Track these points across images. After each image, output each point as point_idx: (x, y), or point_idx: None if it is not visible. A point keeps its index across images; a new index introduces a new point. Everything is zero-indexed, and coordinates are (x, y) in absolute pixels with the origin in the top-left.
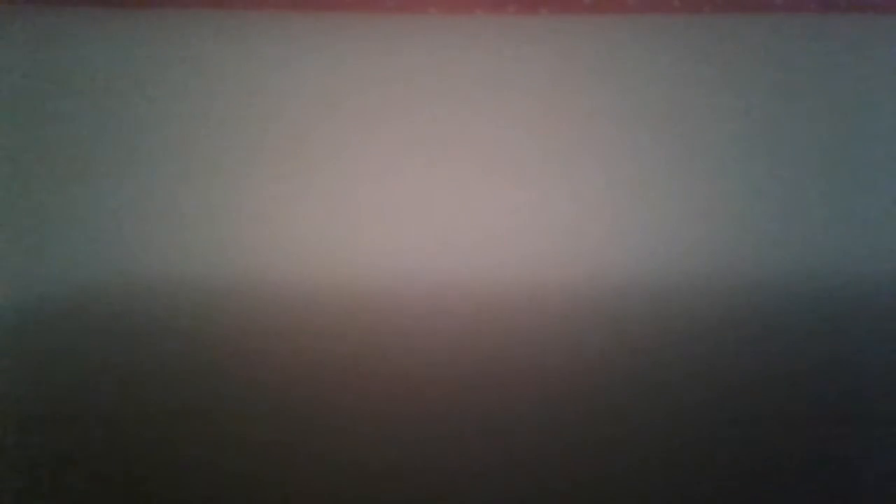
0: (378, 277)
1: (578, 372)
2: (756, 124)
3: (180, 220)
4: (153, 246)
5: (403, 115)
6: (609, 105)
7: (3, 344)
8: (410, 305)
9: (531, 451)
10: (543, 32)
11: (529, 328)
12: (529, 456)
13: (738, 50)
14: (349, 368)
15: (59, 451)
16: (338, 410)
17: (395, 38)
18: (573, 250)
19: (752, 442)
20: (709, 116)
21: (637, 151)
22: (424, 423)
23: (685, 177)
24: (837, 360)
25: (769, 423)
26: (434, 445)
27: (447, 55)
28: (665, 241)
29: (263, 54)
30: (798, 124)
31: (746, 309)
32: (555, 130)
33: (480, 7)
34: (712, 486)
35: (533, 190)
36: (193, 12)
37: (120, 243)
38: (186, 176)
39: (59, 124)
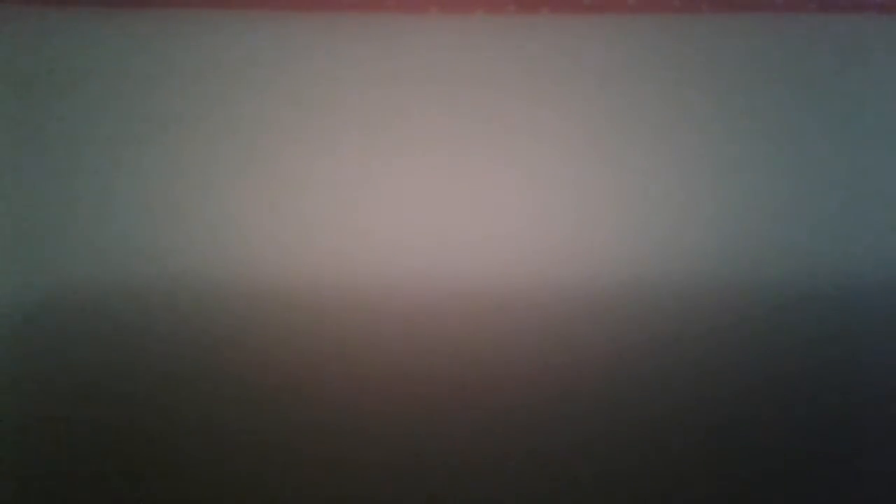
0: (378, 277)
1: (580, 373)
2: (756, 124)
3: (180, 220)
4: (153, 246)
5: (403, 115)
6: (609, 105)
7: (2, 344)
8: (411, 305)
9: (532, 451)
10: (543, 32)
11: (531, 329)
12: (530, 456)
13: (738, 50)
14: (349, 368)
15: (59, 451)
16: (338, 410)
17: (395, 38)
18: (574, 251)
19: (753, 442)
20: (709, 116)
21: (637, 151)
22: (425, 423)
23: (686, 177)
24: (838, 360)
25: (769, 424)
26: (435, 445)
27: (447, 55)
28: (666, 241)
29: (263, 54)
30: (798, 124)
31: (748, 310)
32: (555, 130)
33: (480, 7)
34: (713, 486)
35: (533, 190)
36: (193, 12)
37: (120, 243)
38: (186, 175)
39: (59, 124)
